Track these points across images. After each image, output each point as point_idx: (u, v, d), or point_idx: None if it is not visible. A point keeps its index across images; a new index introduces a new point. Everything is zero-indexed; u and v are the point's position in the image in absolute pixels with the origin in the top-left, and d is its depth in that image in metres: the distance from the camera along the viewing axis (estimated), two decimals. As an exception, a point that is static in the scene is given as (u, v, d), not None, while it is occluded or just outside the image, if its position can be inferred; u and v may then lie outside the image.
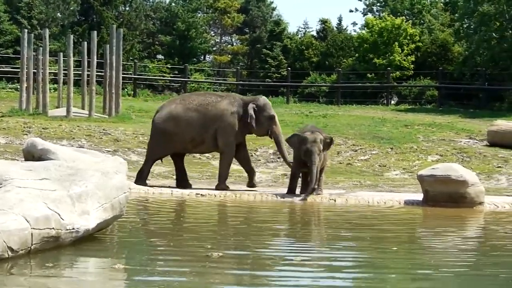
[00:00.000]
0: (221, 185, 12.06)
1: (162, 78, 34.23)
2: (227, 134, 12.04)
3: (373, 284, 6.12)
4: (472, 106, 27.10)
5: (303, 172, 11.60)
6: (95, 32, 20.84)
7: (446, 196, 10.80)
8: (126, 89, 29.10)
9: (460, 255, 7.48)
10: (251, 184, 12.27)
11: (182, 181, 12.32)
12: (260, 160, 15.54)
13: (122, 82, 21.99)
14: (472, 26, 29.23)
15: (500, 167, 15.31)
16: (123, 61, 22.69)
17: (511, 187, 13.46)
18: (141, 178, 12.23)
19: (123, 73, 22.39)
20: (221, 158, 12.33)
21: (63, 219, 6.72)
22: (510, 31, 26.87)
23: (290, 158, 12.14)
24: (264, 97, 12.61)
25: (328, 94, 31.25)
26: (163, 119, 12.22)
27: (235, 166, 14.96)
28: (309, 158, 11.25)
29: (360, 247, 7.82)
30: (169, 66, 36.14)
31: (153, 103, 26.14)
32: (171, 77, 34.47)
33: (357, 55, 33.69)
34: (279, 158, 15.25)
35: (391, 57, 31.54)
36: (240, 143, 12.32)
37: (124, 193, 7.62)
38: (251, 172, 12.36)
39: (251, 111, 11.99)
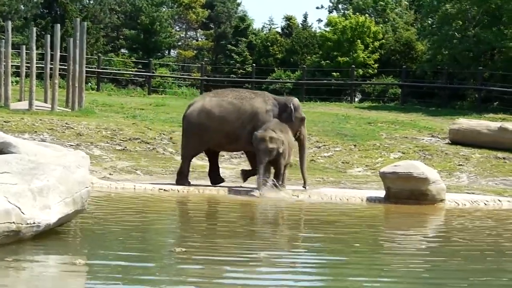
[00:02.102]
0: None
1: (126, 72, 34.01)
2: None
3: (334, 283, 6.16)
4: (434, 104, 27.35)
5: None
6: (58, 25, 20.62)
7: (407, 193, 10.91)
8: (89, 83, 28.88)
9: (420, 254, 7.56)
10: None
11: (215, 176, 12.30)
12: (224, 155, 15.52)
13: (86, 76, 21.81)
14: (435, 25, 29.47)
15: (461, 165, 15.49)
16: (87, 55, 22.49)
17: (472, 184, 13.61)
18: (182, 178, 12.08)
19: (86, 67, 22.21)
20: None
21: (24, 213, 6.65)
22: (472, 31, 27.15)
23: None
24: (296, 98, 12.64)
25: (293, 91, 31.28)
26: (197, 112, 12.06)
27: (198, 161, 14.97)
28: (257, 155, 11.34)
29: (322, 244, 7.87)
30: (133, 60, 35.93)
31: (117, 98, 26.02)
32: (135, 71, 34.27)
33: (320, 52, 33.82)
34: (242, 154, 15.28)
35: (355, 55, 31.71)
36: None
37: (86, 187, 7.57)
38: (252, 172, 12.27)
39: (292, 108, 11.98)
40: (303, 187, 12.09)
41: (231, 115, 11.93)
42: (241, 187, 12.03)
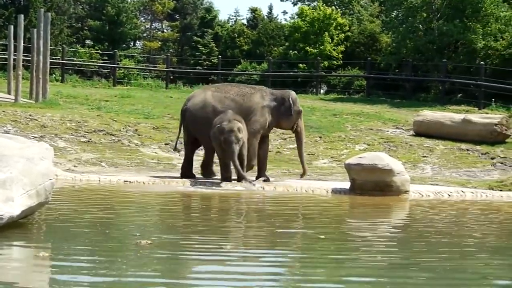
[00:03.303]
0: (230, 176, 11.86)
1: (91, 63, 33.75)
2: (256, 126, 12.01)
3: (301, 272, 6.19)
4: (399, 96, 27.54)
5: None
6: (22, 16, 20.39)
7: (372, 185, 10.98)
8: (54, 75, 28.60)
9: (383, 244, 7.61)
10: (261, 175, 12.15)
11: (188, 171, 12.19)
12: (189, 147, 15.49)
13: (50, 67, 21.60)
14: (400, 17, 29.64)
15: (425, 156, 15.62)
16: (51, 46, 22.28)
17: (436, 176, 13.74)
18: (208, 171, 12.17)
19: (51, 58, 21.99)
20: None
21: (-14, 206, 6.59)
22: (436, 23, 27.37)
23: None
24: (293, 91, 12.70)
25: (259, 83, 31.22)
26: (200, 106, 11.99)
27: (164, 153, 14.94)
28: (228, 148, 11.31)
29: (287, 236, 7.90)
30: (99, 52, 35.66)
31: (81, 89, 25.82)
32: (100, 63, 34.01)
33: (287, 44, 33.85)
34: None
35: (321, 47, 31.80)
36: (265, 136, 12.38)
37: (50, 179, 7.51)
38: (263, 166, 12.31)
39: (290, 102, 12.11)
40: (301, 176, 12.32)
41: (234, 111, 11.89)
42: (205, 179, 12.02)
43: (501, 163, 14.82)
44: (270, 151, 15.38)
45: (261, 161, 12.32)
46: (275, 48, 35.00)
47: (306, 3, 41.56)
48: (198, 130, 12.06)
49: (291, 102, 12.15)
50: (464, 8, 26.88)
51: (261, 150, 12.33)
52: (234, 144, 11.28)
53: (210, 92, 12.23)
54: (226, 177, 11.65)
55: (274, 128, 12.71)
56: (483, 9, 26.46)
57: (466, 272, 6.24)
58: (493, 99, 22.85)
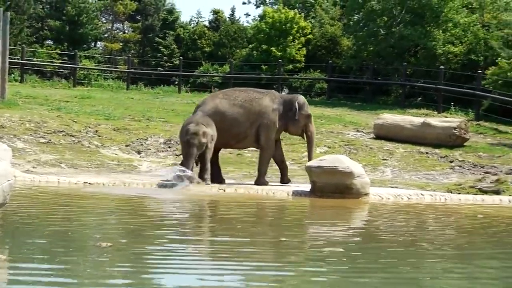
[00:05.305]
0: (261, 180, 12.16)
1: (51, 64, 33.39)
2: (269, 130, 12.20)
3: (256, 277, 6.20)
4: (360, 99, 27.74)
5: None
6: (-19, 14, 20.12)
7: (333, 187, 11.03)
8: (13, 75, 28.26)
9: (341, 247, 7.66)
10: (284, 180, 12.36)
11: (218, 177, 12.17)
12: (150, 149, 15.44)
13: (9, 67, 21.34)
14: (361, 21, 29.83)
15: (385, 159, 15.74)
16: (10, 46, 22.01)
17: (396, 179, 13.85)
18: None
19: (10, 58, 21.72)
20: (261, 154, 12.40)
21: None
22: (397, 27, 27.63)
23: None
24: (302, 96, 12.90)
25: (221, 85, 31.23)
26: (209, 113, 11.98)
27: (125, 155, 14.85)
28: (188, 149, 11.37)
29: (247, 239, 7.90)
30: (58, 52, 35.31)
31: (41, 89, 25.57)
32: (60, 63, 33.68)
33: (251, 46, 33.87)
34: (169, 147, 15.24)
35: (287, 49, 31.88)
36: (277, 140, 12.54)
37: (8, 180, 7.41)
38: (284, 169, 12.51)
39: (296, 107, 12.26)
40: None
41: (242, 117, 12.09)
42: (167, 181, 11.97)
43: (460, 166, 14.99)
44: (230, 153, 15.40)
45: (280, 164, 12.57)
46: (237, 50, 34.98)
47: (269, 5, 41.63)
48: None
49: (297, 107, 12.29)
50: (424, 14, 27.18)
51: (278, 155, 12.58)
52: (194, 148, 11.36)
53: (219, 99, 12.31)
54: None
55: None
56: (443, 14, 26.78)
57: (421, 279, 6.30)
58: (452, 103, 23.12)
